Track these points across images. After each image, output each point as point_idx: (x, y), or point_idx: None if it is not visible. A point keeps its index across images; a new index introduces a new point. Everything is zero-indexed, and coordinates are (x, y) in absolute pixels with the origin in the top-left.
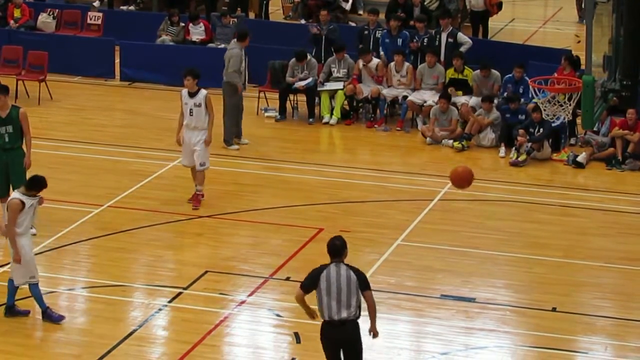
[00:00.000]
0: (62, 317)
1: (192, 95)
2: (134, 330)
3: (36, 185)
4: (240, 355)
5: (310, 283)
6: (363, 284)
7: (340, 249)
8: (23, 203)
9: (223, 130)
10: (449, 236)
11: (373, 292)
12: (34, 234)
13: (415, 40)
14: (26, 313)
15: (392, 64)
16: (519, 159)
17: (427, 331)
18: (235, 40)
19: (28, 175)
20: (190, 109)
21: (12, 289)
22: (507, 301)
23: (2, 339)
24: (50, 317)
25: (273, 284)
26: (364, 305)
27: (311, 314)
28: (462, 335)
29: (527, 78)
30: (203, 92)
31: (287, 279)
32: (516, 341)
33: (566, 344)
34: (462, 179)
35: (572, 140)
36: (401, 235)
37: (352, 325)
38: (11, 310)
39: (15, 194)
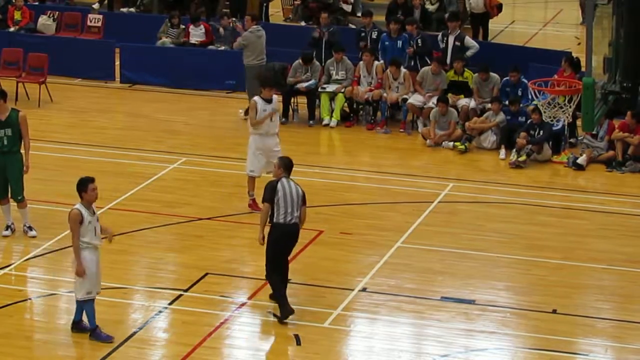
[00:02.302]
0: (110, 338)
1: (268, 102)
2: (134, 333)
3: (80, 185)
4: (240, 357)
5: (271, 194)
6: (304, 199)
7: (292, 166)
8: (82, 214)
9: None
10: (449, 238)
11: (373, 294)
12: (34, 236)
13: (410, 44)
14: (110, 339)
15: (389, 71)
16: (519, 159)
17: (428, 333)
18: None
19: (25, 178)
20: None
21: (89, 309)
22: (507, 303)
23: (4, 341)
24: (99, 336)
25: None
26: None
27: (262, 237)
28: (463, 338)
29: (525, 80)
30: (275, 97)
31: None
32: (516, 343)
33: (566, 346)
34: None
35: (573, 140)
36: (401, 238)
37: (297, 227)
38: (77, 326)
39: (77, 205)
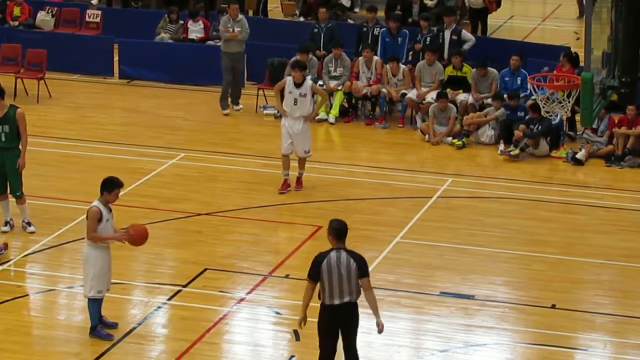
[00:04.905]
0: (110, 336)
1: (298, 85)
2: (134, 328)
3: (107, 185)
4: (239, 352)
5: (316, 270)
6: (362, 270)
7: (343, 230)
8: (101, 212)
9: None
10: (448, 233)
11: (373, 290)
12: (33, 232)
13: (417, 40)
14: (110, 337)
15: (388, 67)
16: (512, 152)
17: (427, 328)
18: None
19: (24, 174)
20: (295, 99)
21: (93, 307)
22: (506, 298)
23: (3, 337)
24: (99, 334)
25: (272, 281)
26: None
27: (303, 318)
28: (462, 333)
29: (524, 71)
30: (308, 82)
31: (287, 276)
32: (515, 338)
33: (566, 341)
34: (141, 238)
35: (572, 133)
36: (400, 233)
37: (352, 306)
38: (94, 330)
39: (94, 202)
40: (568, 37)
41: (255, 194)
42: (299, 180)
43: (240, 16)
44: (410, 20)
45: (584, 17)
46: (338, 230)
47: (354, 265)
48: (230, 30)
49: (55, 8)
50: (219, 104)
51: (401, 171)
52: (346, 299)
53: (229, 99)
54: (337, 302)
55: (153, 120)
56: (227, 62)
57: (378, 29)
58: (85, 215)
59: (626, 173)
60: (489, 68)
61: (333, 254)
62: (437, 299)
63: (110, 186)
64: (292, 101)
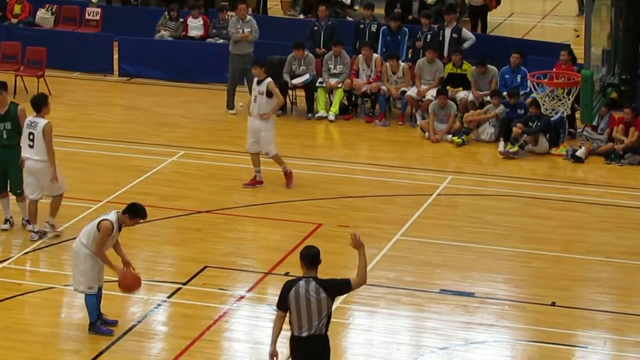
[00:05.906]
0: (110, 331)
1: (258, 82)
2: (134, 326)
3: (133, 211)
4: (239, 350)
5: (284, 299)
6: (340, 291)
7: (314, 257)
8: (113, 229)
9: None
10: (448, 231)
11: (372, 287)
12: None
13: (418, 37)
14: (110, 333)
15: (388, 65)
16: (511, 150)
17: (427, 326)
18: None
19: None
20: (255, 96)
21: (89, 302)
22: (506, 296)
23: (2, 335)
24: (99, 330)
25: (272, 279)
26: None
27: (274, 352)
28: (462, 330)
29: (524, 68)
30: (267, 80)
31: (286, 274)
32: (515, 336)
33: (565, 338)
34: (131, 286)
35: (572, 130)
36: (400, 230)
37: (321, 341)
38: (94, 326)
39: (111, 215)
40: (568, 35)
41: (255, 192)
42: (285, 175)
43: (249, 16)
44: (410, 17)
45: (584, 14)
46: (309, 257)
47: (323, 296)
48: (241, 31)
49: (55, 6)
50: (226, 103)
51: (401, 169)
52: (313, 331)
53: (235, 99)
54: (304, 334)
55: (153, 117)
56: (237, 64)
57: (375, 25)
58: (96, 223)
59: (626, 170)
60: (488, 65)
61: (302, 283)
62: (437, 297)
63: (135, 214)
64: (253, 98)
